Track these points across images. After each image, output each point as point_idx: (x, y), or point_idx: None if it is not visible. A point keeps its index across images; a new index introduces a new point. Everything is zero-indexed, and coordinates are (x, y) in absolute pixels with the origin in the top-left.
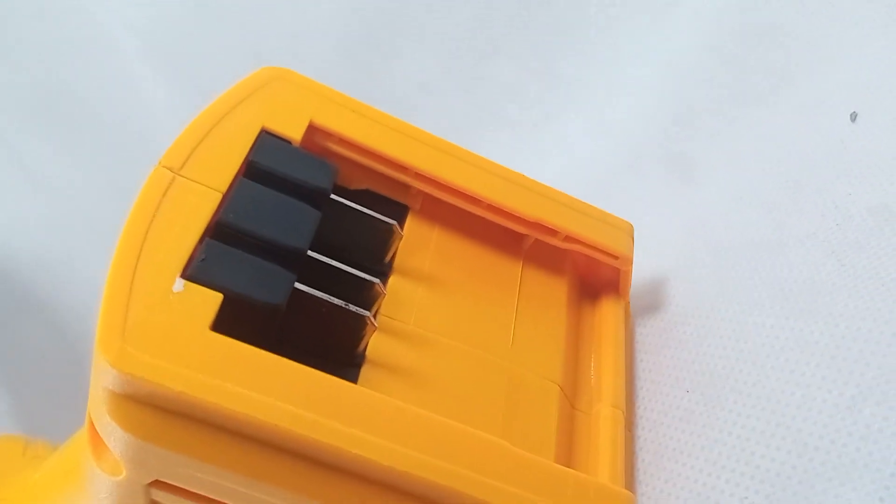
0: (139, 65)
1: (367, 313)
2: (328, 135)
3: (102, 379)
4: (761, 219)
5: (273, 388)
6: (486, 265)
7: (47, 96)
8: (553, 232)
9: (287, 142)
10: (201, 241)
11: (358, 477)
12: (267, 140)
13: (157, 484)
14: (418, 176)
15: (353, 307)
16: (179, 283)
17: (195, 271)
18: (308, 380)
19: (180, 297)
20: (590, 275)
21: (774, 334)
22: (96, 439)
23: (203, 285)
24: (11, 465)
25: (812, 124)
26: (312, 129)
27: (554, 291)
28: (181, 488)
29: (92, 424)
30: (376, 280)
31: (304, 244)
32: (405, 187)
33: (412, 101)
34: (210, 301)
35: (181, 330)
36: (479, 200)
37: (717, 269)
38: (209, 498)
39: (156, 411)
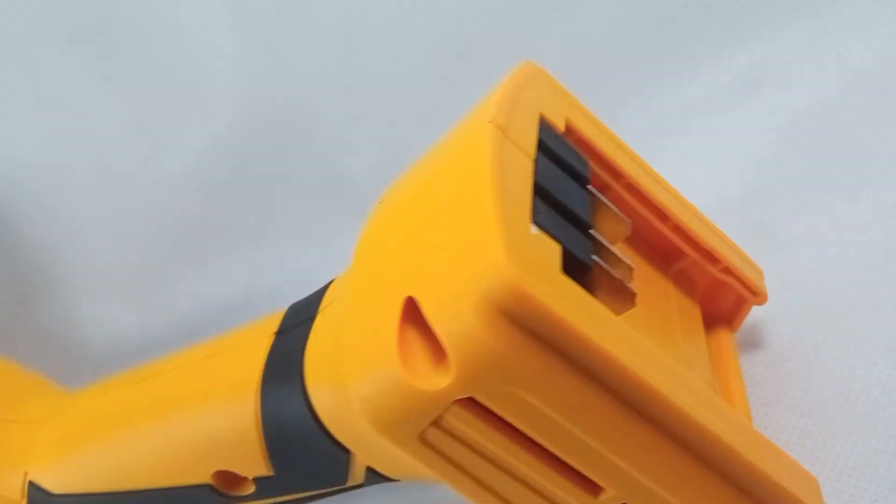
0: (216, 15)
1: (635, 292)
2: (572, 134)
3: (484, 289)
4: (852, 285)
5: (626, 344)
6: (649, 278)
7: (97, 20)
8: (716, 261)
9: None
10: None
11: (700, 459)
12: (546, 125)
13: (465, 402)
14: (629, 186)
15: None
16: (534, 228)
17: (539, 220)
18: (647, 346)
19: (537, 240)
20: (707, 304)
21: (885, 377)
22: (409, 346)
23: (547, 234)
24: (15, 388)
25: (894, 223)
26: (567, 128)
27: (693, 313)
28: (488, 411)
29: (405, 335)
30: (632, 265)
31: (590, 222)
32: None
33: None
34: (554, 249)
35: (546, 267)
36: (669, 218)
37: (816, 321)
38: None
39: (526, 334)
